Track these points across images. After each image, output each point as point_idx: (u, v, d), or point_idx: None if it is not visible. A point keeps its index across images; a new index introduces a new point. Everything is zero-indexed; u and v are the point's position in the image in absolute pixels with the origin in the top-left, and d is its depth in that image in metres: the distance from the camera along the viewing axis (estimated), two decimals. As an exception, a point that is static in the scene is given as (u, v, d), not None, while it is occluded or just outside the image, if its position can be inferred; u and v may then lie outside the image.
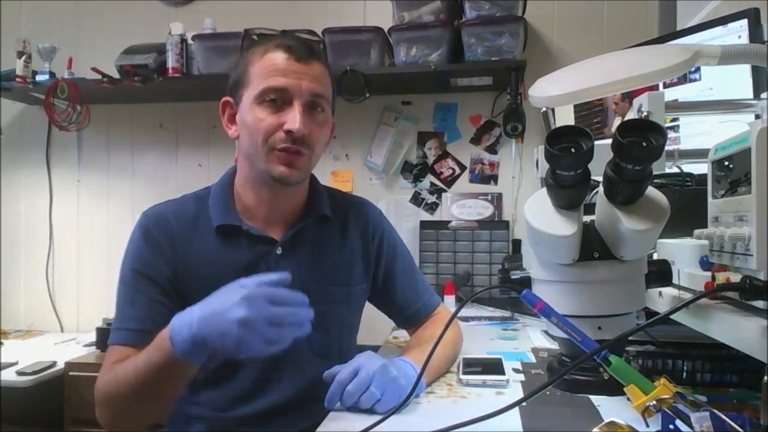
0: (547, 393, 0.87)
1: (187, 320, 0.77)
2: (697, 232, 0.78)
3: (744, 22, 1.23)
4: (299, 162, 0.96)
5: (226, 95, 1.03)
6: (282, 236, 1.02)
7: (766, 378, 0.56)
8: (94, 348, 2.07)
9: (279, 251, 1.01)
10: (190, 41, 2.18)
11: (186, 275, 0.97)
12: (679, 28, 1.73)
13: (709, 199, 0.76)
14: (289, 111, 0.94)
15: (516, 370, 1.05)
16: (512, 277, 0.89)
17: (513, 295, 0.84)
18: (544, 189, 0.80)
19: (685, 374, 0.91)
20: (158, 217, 1.00)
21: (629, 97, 1.58)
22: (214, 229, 0.99)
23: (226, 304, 0.74)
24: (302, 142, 0.95)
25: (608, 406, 0.80)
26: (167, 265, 0.97)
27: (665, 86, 1.41)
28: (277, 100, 0.94)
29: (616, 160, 0.70)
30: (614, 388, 0.71)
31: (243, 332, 0.72)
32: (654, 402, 0.59)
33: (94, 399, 0.90)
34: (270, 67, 0.95)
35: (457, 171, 2.30)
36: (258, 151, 0.95)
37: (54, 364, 1.96)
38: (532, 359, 1.15)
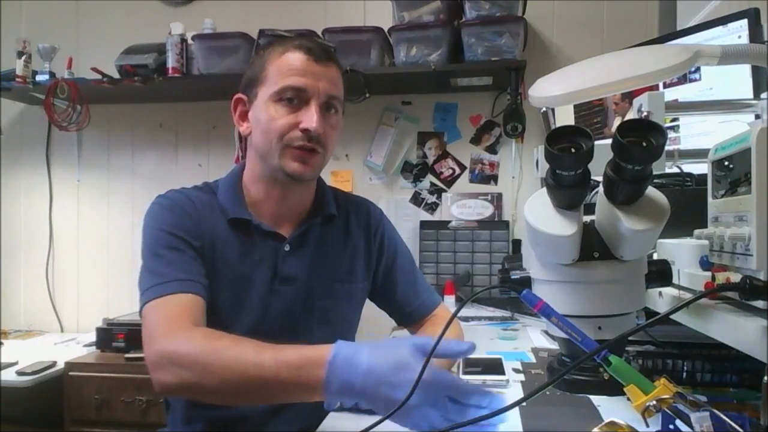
0: (547, 393, 0.86)
1: (351, 361, 0.69)
2: (697, 232, 0.78)
3: (744, 22, 1.23)
4: (313, 160, 0.97)
5: (238, 92, 1.04)
6: (290, 233, 1.03)
7: (766, 378, 0.56)
8: (94, 348, 2.07)
9: (287, 248, 1.02)
10: (190, 41, 2.18)
11: (209, 254, 0.97)
12: (679, 28, 1.73)
13: (709, 199, 0.75)
14: (306, 111, 0.95)
15: (516, 370, 1.05)
16: (512, 277, 0.89)
17: (513, 295, 0.83)
18: (544, 189, 0.80)
19: (685, 374, 0.91)
20: (180, 195, 1.01)
21: (629, 97, 1.58)
22: (226, 220, 1.00)
23: (402, 379, 0.66)
24: (317, 141, 0.96)
25: (608, 406, 0.80)
26: (198, 234, 0.96)
27: (665, 86, 1.41)
28: (294, 99, 0.95)
29: (616, 160, 0.70)
30: (614, 388, 0.71)
31: (408, 413, 0.66)
32: (654, 402, 0.59)
33: (165, 354, 0.78)
34: (289, 66, 0.96)
35: (457, 171, 2.30)
36: (272, 148, 0.96)
37: (54, 364, 1.96)
38: (532, 359, 1.15)
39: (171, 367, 0.77)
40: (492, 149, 2.27)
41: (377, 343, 0.72)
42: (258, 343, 0.76)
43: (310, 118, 0.94)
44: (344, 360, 0.70)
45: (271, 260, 1.01)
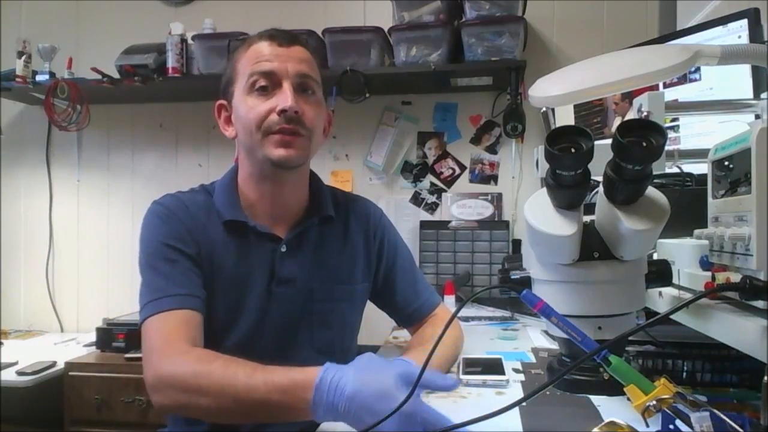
0: (547, 393, 0.86)
1: (337, 385, 0.71)
2: (697, 232, 0.78)
3: (744, 22, 1.23)
4: (297, 142, 0.96)
5: (219, 99, 1.04)
6: (286, 235, 1.03)
7: (766, 378, 0.56)
8: (94, 348, 2.07)
9: (283, 249, 1.01)
10: (190, 41, 2.18)
11: (206, 259, 0.97)
12: (679, 28, 1.73)
13: (709, 199, 0.76)
14: (279, 93, 0.95)
15: (516, 370, 1.05)
16: (512, 277, 0.89)
17: (513, 295, 0.83)
18: (544, 189, 0.80)
19: (685, 374, 0.91)
20: (175, 201, 1.00)
21: (629, 97, 1.58)
22: (222, 223, 1.00)
23: (383, 408, 0.67)
24: (298, 121, 0.95)
25: (608, 406, 0.80)
26: (193, 241, 0.96)
27: (665, 86, 1.41)
28: (267, 86, 0.95)
29: (616, 160, 0.70)
30: (614, 388, 0.71)
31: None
32: (654, 402, 0.59)
33: (161, 378, 0.81)
34: (255, 56, 0.96)
35: (457, 171, 2.30)
36: (254, 139, 0.96)
37: (54, 364, 1.96)
38: (532, 359, 1.15)
39: (167, 390, 0.80)
40: (492, 149, 2.27)
41: (364, 367, 0.74)
42: (249, 365, 0.78)
43: (284, 98, 0.93)
44: (330, 384, 0.72)
45: (268, 262, 1.00)
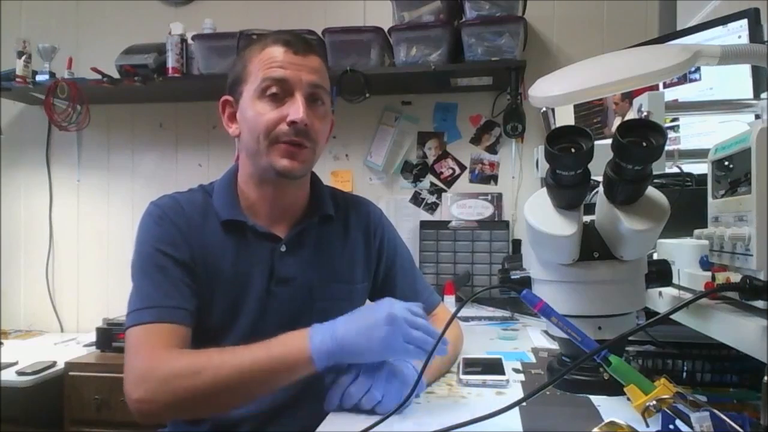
0: (547, 393, 0.86)
1: (329, 324, 0.83)
2: (697, 232, 0.78)
3: (744, 22, 1.23)
4: (302, 155, 0.96)
5: (225, 94, 1.04)
6: (286, 234, 1.03)
7: (766, 378, 0.56)
8: (94, 348, 2.07)
9: (283, 248, 1.01)
10: (190, 41, 2.18)
11: (201, 262, 0.97)
12: (679, 28, 1.73)
13: (709, 199, 0.76)
14: (291, 103, 0.94)
15: (516, 370, 1.05)
16: (512, 277, 0.89)
17: (513, 295, 0.83)
18: (544, 189, 0.80)
19: (685, 374, 0.91)
20: (171, 203, 1.00)
21: (629, 97, 1.58)
22: (220, 223, 1.00)
23: (371, 320, 0.82)
24: (305, 134, 0.95)
25: (608, 406, 0.80)
26: (186, 245, 0.96)
27: (665, 86, 1.41)
28: (278, 93, 0.95)
29: (616, 160, 0.70)
30: (614, 388, 0.71)
31: (388, 332, 0.80)
32: (654, 402, 0.59)
33: (143, 376, 0.82)
34: (269, 60, 0.95)
35: (457, 171, 2.30)
36: (260, 145, 0.96)
37: (54, 364, 1.96)
38: (532, 359, 1.15)
39: (154, 383, 0.81)
40: (492, 149, 2.27)
41: (349, 315, 0.86)
42: (243, 345, 0.84)
43: (296, 109, 0.93)
44: (324, 325, 0.83)
45: (267, 261, 1.00)
